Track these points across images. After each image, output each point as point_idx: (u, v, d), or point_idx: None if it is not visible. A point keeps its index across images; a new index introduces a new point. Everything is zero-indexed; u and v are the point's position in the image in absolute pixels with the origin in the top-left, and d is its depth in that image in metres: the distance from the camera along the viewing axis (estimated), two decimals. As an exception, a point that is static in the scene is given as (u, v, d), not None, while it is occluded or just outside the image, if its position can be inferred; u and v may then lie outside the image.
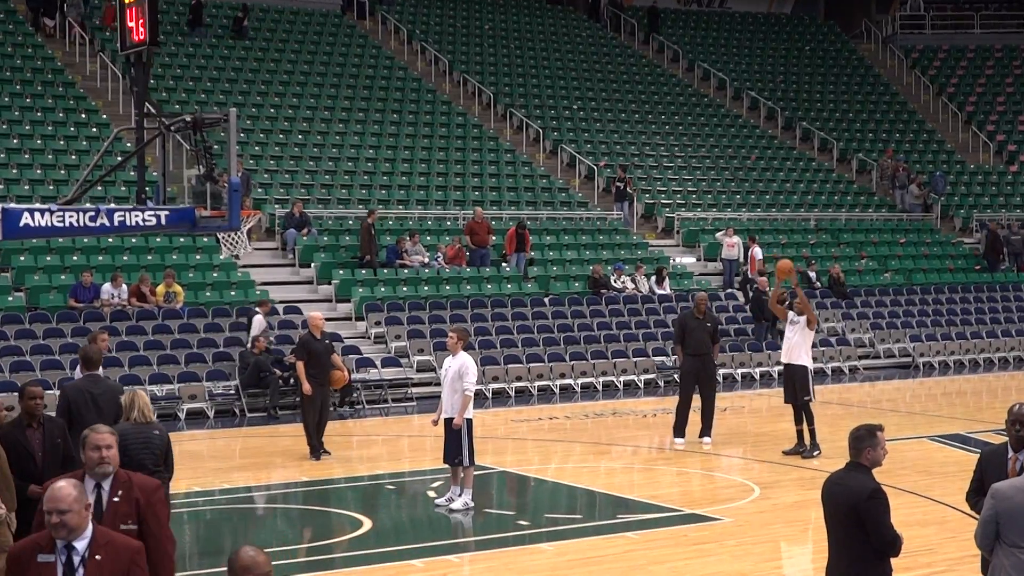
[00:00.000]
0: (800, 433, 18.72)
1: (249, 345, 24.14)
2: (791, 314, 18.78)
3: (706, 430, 19.92)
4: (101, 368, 13.68)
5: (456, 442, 14.74)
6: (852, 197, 40.51)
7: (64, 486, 6.14)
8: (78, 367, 13.16)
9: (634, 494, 16.03)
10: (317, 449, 18.62)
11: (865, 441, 7.75)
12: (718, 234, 33.89)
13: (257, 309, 24.97)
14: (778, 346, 29.77)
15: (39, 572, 6.09)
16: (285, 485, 17.26)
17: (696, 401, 19.91)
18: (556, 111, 40.46)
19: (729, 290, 32.72)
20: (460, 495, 14.89)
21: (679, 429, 19.85)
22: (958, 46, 50.70)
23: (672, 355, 20.70)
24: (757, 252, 32.59)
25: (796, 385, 18.61)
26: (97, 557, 6.12)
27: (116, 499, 7.24)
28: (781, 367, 19.54)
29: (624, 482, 17.30)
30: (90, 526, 6.18)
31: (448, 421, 14.83)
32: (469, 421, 14.81)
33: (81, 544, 6.10)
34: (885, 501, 7.63)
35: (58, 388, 19.14)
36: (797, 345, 18.63)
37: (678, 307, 29.47)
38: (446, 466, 15.28)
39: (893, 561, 7.76)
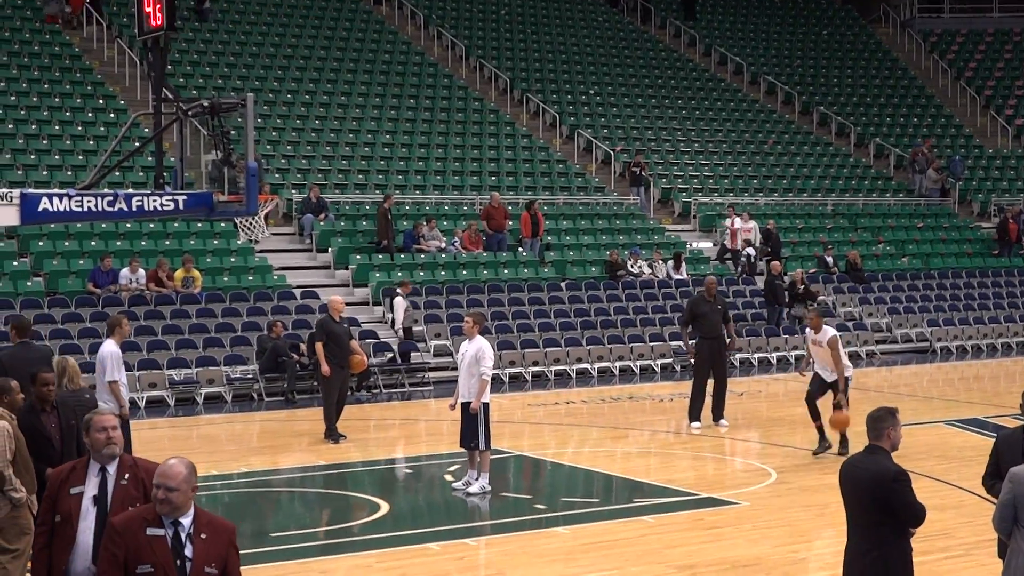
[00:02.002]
0: (820, 429, 17.45)
1: (397, 327, 24.75)
2: (809, 332, 17.67)
3: (719, 413, 19.96)
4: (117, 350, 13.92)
5: (473, 426, 14.78)
6: (870, 182, 40.41)
7: (176, 464, 6.35)
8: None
9: (650, 478, 16.05)
10: (335, 432, 18.70)
11: (886, 421, 7.75)
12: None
13: (398, 291, 25.27)
14: (793, 330, 30.00)
15: (150, 544, 6.27)
16: (303, 469, 17.32)
17: (709, 385, 19.94)
18: (573, 96, 40.40)
19: (745, 275, 32.68)
20: (477, 479, 14.93)
21: (695, 413, 19.88)
22: (976, 30, 50.50)
23: (685, 341, 20.53)
24: (738, 223, 32.56)
25: (831, 386, 17.30)
26: (203, 536, 6.32)
27: (124, 482, 7.23)
28: (810, 368, 17.87)
29: (640, 466, 17.31)
30: (193, 507, 6.38)
31: (465, 405, 14.87)
32: (486, 405, 14.83)
33: (187, 520, 6.32)
34: (909, 481, 7.66)
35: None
36: (832, 362, 17.19)
37: (695, 292, 29.44)
38: (463, 450, 15.32)
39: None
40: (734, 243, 32.64)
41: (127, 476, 7.22)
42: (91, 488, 7.20)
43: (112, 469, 7.23)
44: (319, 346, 18.72)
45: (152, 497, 6.32)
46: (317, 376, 19.90)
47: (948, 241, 37.69)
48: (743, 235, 33.03)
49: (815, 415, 17.57)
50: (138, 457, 7.45)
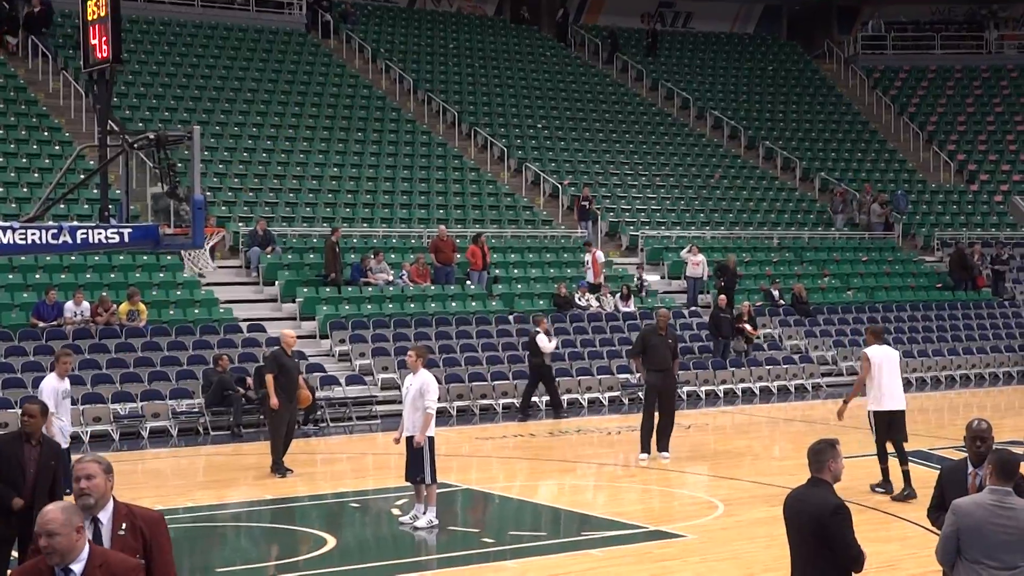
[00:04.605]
0: (906, 474, 16.71)
1: (548, 361, 25.96)
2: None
3: (664, 445, 20.00)
4: (68, 384, 13.94)
5: (418, 460, 14.72)
6: (815, 216, 40.75)
7: (52, 510, 5.99)
8: None
9: (598, 511, 16.06)
10: (281, 466, 18.59)
11: (827, 454, 7.81)
12: (682, 252, 33.96)
13: (537, 328, 26.13)
14: (740, 363, 30.16)
15: None
16: (249, 503, 17.22)
17: (657, 417, 19.99)
18: (520, 130, 40.53)
19: (693, 308, 32.81)
20: (424, 513, 14.87)
21: (645, 444, 19.91)
22: (919, 66, 51.14)
23: (636, 371, 20.65)
24: (599, 256, 32.34)
25: (898, 425, 16.99)
26: None
27: (121, 533, 6.69)
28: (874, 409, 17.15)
29: (588, 499, 17.32)
30: (86, 549, 6.03)
31: (410, 439, 14.81)
32: (431, 439, 14.76)
33: (78, 567, 5.98)
34: (849, 517, 7.69)
35: None
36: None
37: (643, 325, 29.50)
38: (410, 484, 15.27)
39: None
40: (596, 277, 32.31)
41: (124, 526, 6.69)
42: (95, 535, 6.69)
43: (105, 519, 6.71)
44: (270, 378, 18.60)
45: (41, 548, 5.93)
46: (265, 409, 19.75)
47: (892, 275, 38.03)
48: (692, 268, 33.14)
49: (902, 459, 16.89)
50: (134, 505, 6.95)
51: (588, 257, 32.24)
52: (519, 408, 26.20)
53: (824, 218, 40.71)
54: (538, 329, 26.38)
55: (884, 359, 17.10)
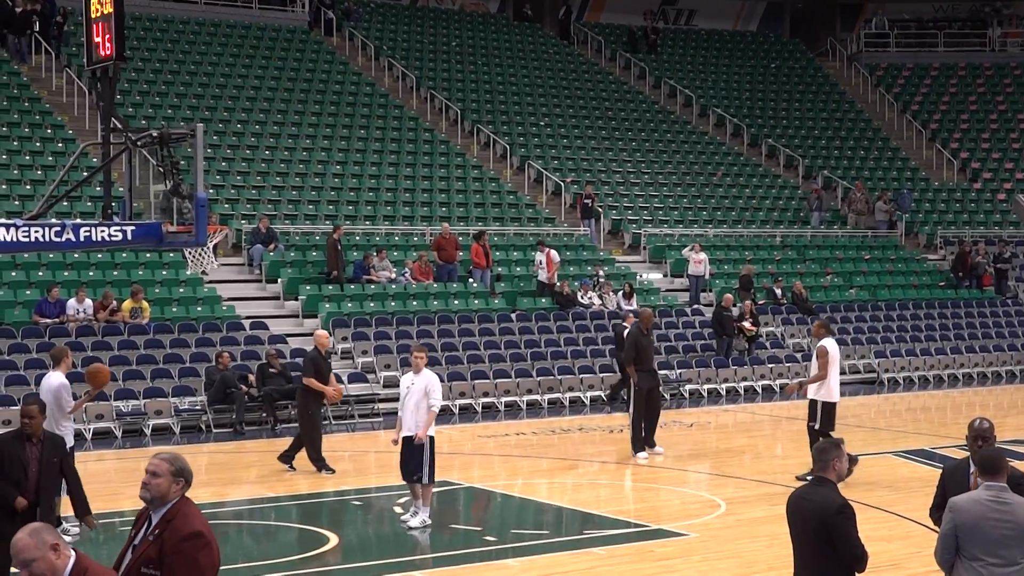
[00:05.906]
0: None
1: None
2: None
3: (652, 441, 20.12)
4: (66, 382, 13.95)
5: (418, 459, 14.68)
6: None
7: (21, 538, 5.73)
8: None
9: (600, 509, 16.06)
10: (322, 461, 18.72)
11: (831, 453, 7.80)
12: (684, 250, 33.94)
13: (625, 324, 26.18)
14: (743, 361, 30.17)
15: None
16: (251, 501, 17.22)
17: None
18: (523, 127, 40.52)
19: (696, 306, 32.79)
20: (418, 512, 14.84)
21: (639, 444, 19.95)
22: (922, 64, 51.12)
23: (632, 376, 20.58)
24: (554, 256, 31.92)
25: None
26: None
27: (150, 538, 6.53)
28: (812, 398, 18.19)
29: (590, 497, 17.31)
30: (71, 561, 5.80)
31: (408, 438, 14.76)
32: (431, 438, 14.73)
33: None
34: (853, 516, 7.68)
35: None
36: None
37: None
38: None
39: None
40: (551, 270, 31.93)
41: (156, 532, 6.51)
42: (140, 535, 6.65)
43: (155, 520, 6.58)
44: (313, 381, 18.52)
45: None
46: (302, 413, 19.34)
47: (895, 273, 38.01)
48: (694, 266, 33.11)
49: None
50: (181, 514, 6.60)
51: (542, 256, 31.42)
52: (608, 399, 27.29)
53: (826, 216, 40.65)
54: (625, 324, 26.42)
55: (836, 352, 18.27)
